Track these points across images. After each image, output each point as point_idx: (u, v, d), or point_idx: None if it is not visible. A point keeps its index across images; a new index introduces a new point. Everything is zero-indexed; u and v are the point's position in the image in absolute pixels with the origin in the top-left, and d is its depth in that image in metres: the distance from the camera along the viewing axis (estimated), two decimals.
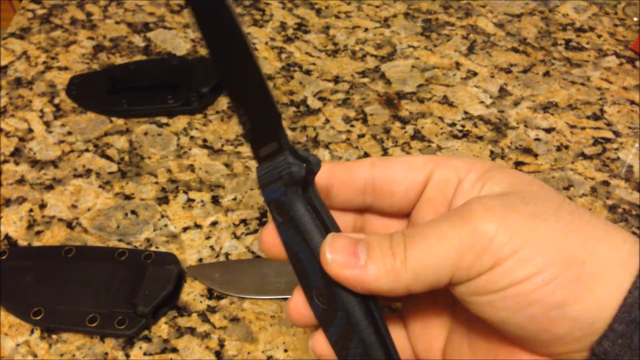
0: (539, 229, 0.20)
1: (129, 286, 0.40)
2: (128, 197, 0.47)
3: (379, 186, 0.25)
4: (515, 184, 0.22)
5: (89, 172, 0.49)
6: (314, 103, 0.56)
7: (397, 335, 0.25)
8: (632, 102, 0.57)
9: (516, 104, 0.56)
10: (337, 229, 0.23)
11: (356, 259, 0.21)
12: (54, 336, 0.39)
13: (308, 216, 0.22)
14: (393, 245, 0.21)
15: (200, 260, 0.43)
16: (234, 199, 0.47)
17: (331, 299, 0.22)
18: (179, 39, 0.63)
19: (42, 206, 0.47)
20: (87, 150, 0.51)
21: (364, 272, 0.21)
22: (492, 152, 0.52)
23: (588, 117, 0.55)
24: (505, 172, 0.23)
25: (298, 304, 0.24)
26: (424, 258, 0.20)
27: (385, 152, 0.52)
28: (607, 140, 0.53)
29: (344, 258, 0.21)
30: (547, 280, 0.19)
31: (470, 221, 0.20)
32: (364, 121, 0.54)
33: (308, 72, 0.59)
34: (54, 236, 0.45)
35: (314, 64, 0.60)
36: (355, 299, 0.22)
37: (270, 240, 0.24)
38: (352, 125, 0.54)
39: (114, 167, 0.50)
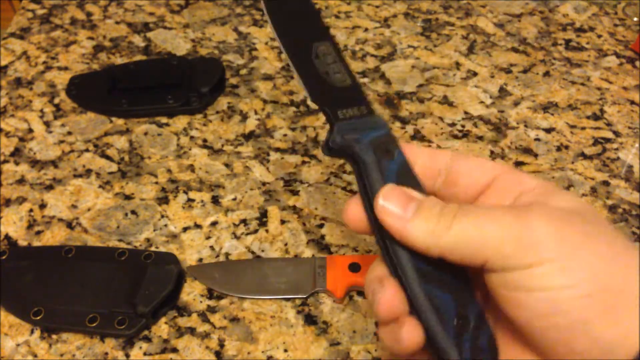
0: (589, 248, 0.20)
1: (129, 286, 0.40)
2: (128, 197, 0.47)
3: (448, 175, 0.26)
4: (580, 207, 0.22)
5: (89, 172, 0.49)
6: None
7: None
8: (632, 102, 0.57)
9: (516, 104, 0.56)
10: (419, 187, 0.25)
11: (405, 212, 0.22)
12: (54, 336, 0.39)
13: (380, 163, 0.25)
14: (444, 211, 0.22)
15: (200, 260, 0.43)
16: (234, 199, 0.47)
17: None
18: (179, 39, 0.63)
19: (42, 206, 0.47)
20: (87, 150, 0.51)
21: (406, 224, 0.22)
22: (492, 152, 0.52)
23: (588, 117, 0.55)
24: (571, 195, 0.23)
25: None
26: (469, 231, 0.21)
27: None
28: (607, 140, 0.53)
29: (393, 207, 0.23)
30: (581, 295, 0.19)
31: (526, 216, 0.21)
32: None
33: None
34: (54, 236, 0.45)
35: None
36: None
37: (355, 214, 0.25)
38: None
39: (114, 167, 0.50)
